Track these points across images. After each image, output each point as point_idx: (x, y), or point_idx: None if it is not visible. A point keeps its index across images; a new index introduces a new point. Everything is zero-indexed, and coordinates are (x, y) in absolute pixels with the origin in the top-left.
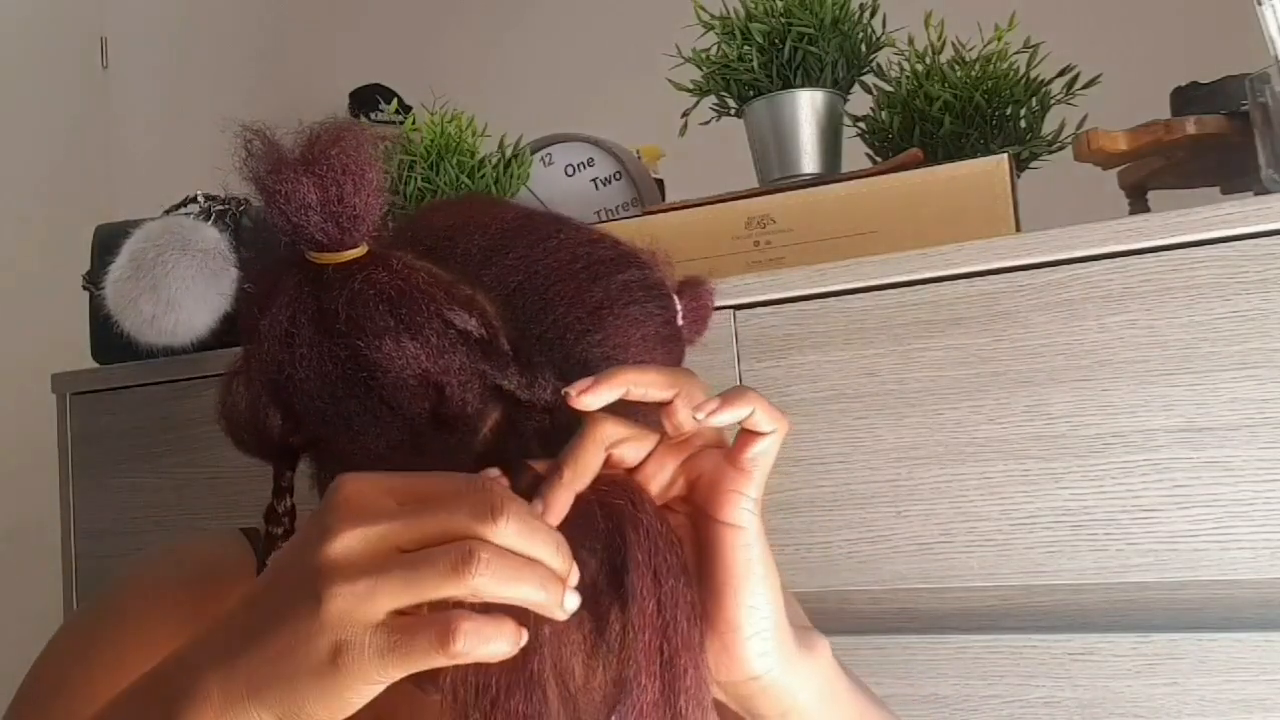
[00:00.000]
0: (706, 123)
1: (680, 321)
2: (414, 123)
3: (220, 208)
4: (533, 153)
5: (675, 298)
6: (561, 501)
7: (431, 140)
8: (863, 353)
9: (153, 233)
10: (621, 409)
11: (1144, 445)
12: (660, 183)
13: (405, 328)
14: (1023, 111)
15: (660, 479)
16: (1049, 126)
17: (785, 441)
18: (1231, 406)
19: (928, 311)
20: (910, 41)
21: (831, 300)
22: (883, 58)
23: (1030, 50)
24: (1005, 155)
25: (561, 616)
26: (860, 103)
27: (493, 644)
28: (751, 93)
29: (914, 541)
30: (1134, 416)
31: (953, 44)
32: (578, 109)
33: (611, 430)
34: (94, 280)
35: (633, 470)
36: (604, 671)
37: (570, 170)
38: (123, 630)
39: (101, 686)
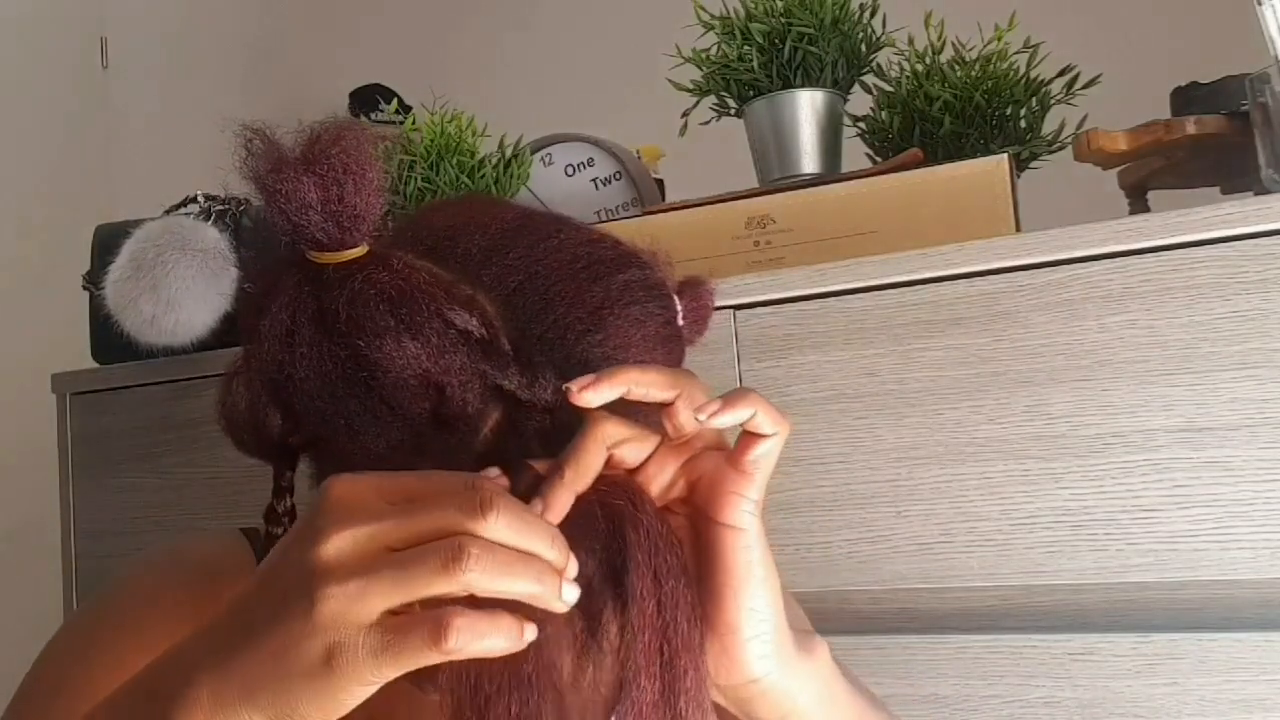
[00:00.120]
0: (706, 123)
1: (681, 322)
2: (414, 123)
3: (220, 208)
4: (533, 153)
5: (676, 298)
6: (562, 501)
7: (431, 140)
8: (863, 353)
9: (153, 233)
10: (623, 410)
11: (1144, 445)
12: (660, 183)
13: (406, 327)
14: (1023, 111)
15: (661, 480)
16: (1049, 126)
17: (785, 442)
18: (1231, 406)
19: (928, 311)
20: (910, 41)
21: (831, 300)
22: (883, 58)
23: (1030, 50)
24: (1005, 155)
25: (560, 609)
26: (860, 103)
27: (487, 639)
28: (751, 93)
29: (914, 541)
30: (1134, 416)
31: (953, 44)
32: (578, 109)
33: (613, 431)
34: (94, 280)
35: (633, 471)
36: (600, 672)
37: (570, 170)
38: (122, 630)
39: (101, 686)
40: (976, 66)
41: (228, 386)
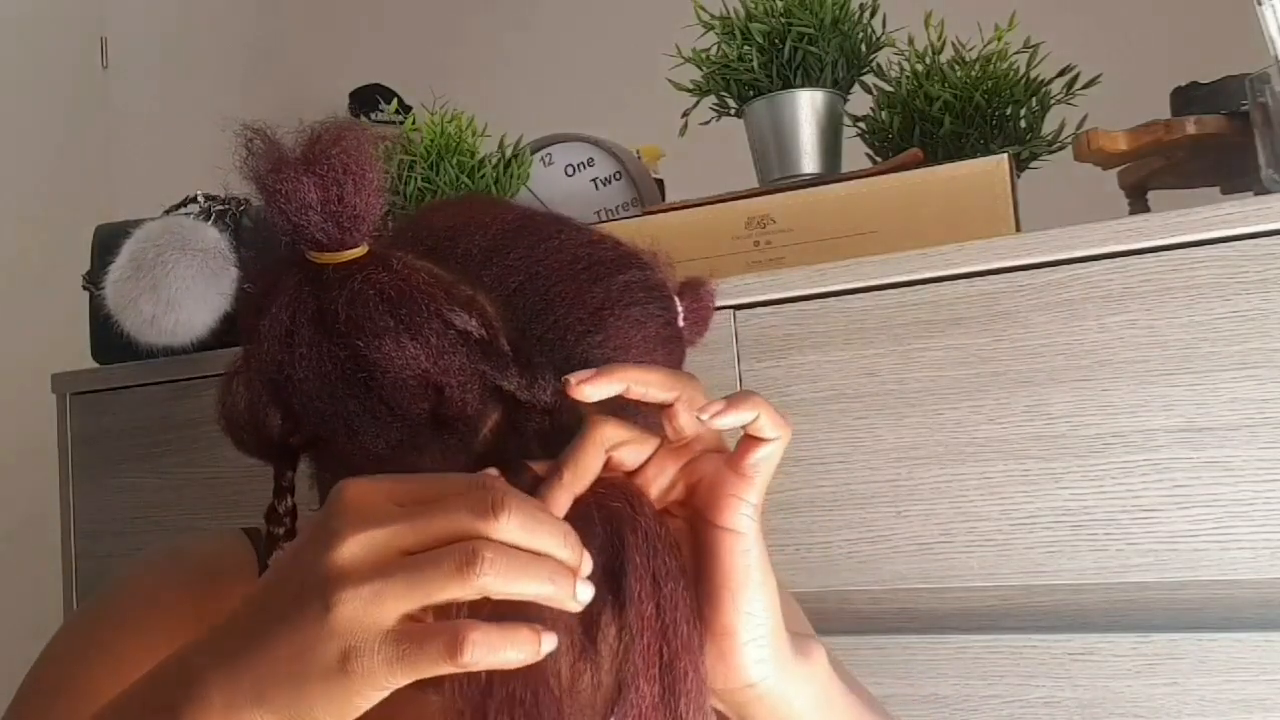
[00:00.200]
0: (706, 123)
1: (681, 323)
2: (414, 123)
3: (220, 208)
4: (533, 153)
5: (676, 299)
6: (560, 503)
7: (431, 140)
8: (863, 353)
9: (153, 233)
10: (623, 412)
11: (1144, 445)
12: (660, 183)
13: (405, 328)
14: (1023, 111)
15: (660, 483)
16: (1049, 126)
17: (786, 446)
18: (1231, 406)
19: (928, 311)
20: (910, 41)
21: (831, 300)
22: (883, 58)
23: (1030, 50)
24: (1005, 155)
25: (575, 608)
26: (860, 103)
27: (503, 653)
28: (751, 93)
29: (914, 541)
30: (1134, 416)
31: (953, 44)
32: (578, 109)
33: (612, 432)
34: (94, 280)
35: (633, 473)
36: (598, 674)
37: (570, 170)
38: (123, 630)
39: (102, 687)
40: (976, 66)
41: (227, 386)
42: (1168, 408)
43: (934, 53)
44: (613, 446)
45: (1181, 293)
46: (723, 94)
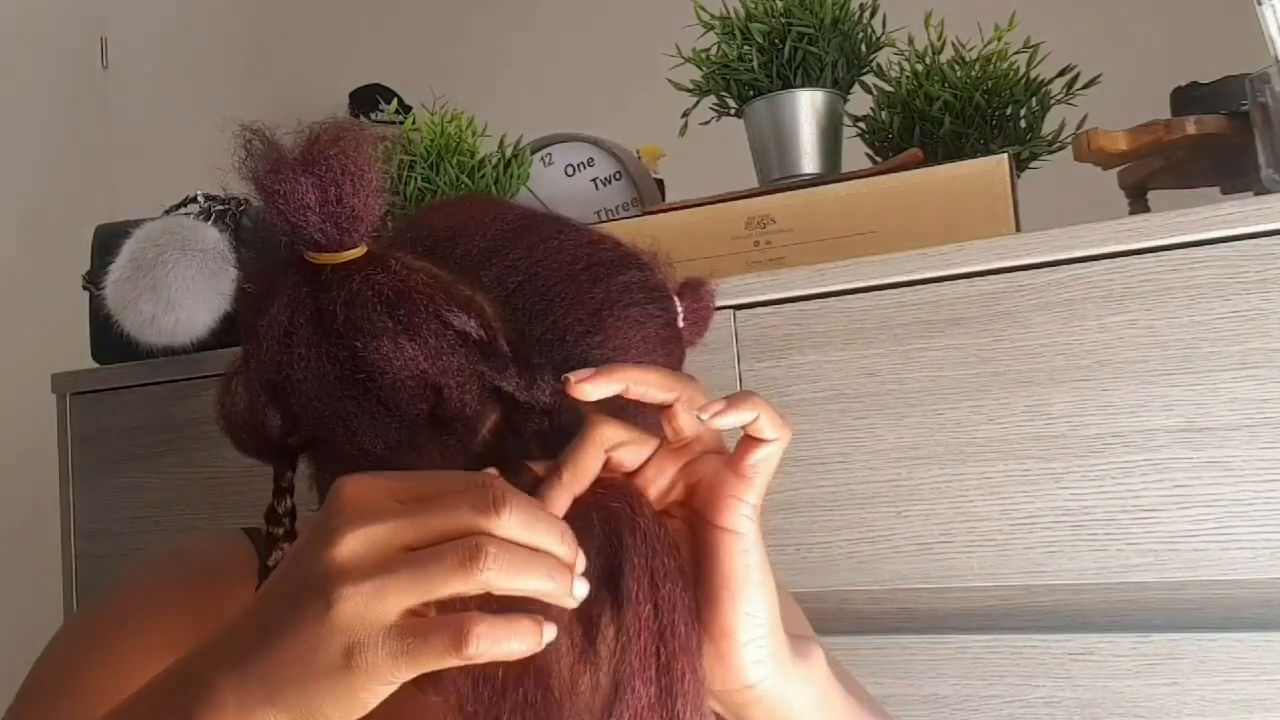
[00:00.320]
0: (706, 123)
1: (681, 323)
2: (414, 123)
3: (220, 208)
4: (533, 153)
5: (676, 299)
6: (560, 503)
7: (431, 140)
8: (863, 353)
9: (153, 233)
10: (622, 412)
11: (1144, 445)
12: (660, 183)
13: (403, 329)
14: (1023, 111)
15: (659, 484)
16: (1049, 126)
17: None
18: (1231, 406)
19: (928, 311)
20: (910, 41)
21: (831, 300)
22: (883, 58)
23: (1030, 50)
24: (1005, 155)
25: (572, 604)
26: (860, 103)
27: (507, 644)
28: (751, 93)
29: (914, 541)
30: (1134, 416)
31: (953, 44)
32: (578, 109)
33: (611, 433)
34: (94, 280)
35: (632, 474)
36: (598, 674)
37: (570, 170)
38: (124, 630)
39: (104, 687)
40: (976, 66)
41: (227, 387)
42: (1168, 408)
43: (934, 53)
44: (612, 447)
45: (1181, 293)
46: (723, 94)
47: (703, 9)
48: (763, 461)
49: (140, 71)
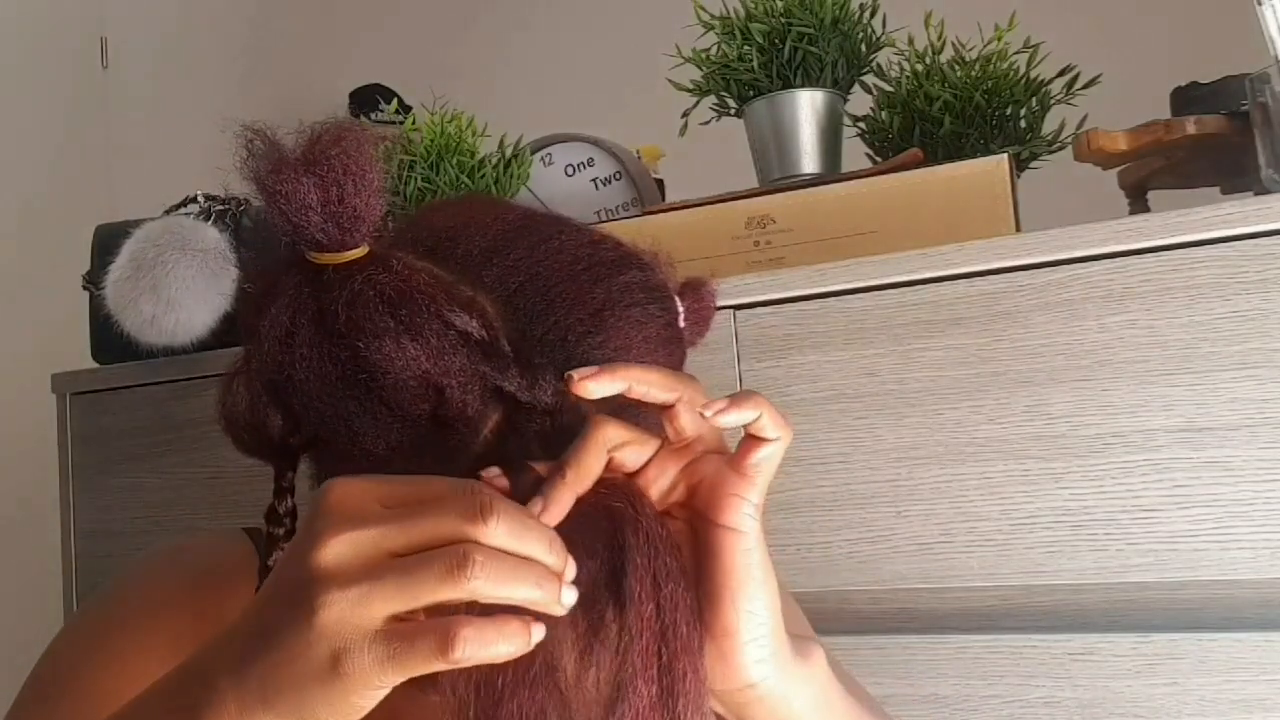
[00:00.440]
0: (706, 123)
1: (682, 323)
2: (414, 123)
3: (220, 208)
4: (533, 153)
5: (677, 299)
6: (563, 502)
7: (431, 140)
8: (863, 353)
9: (153, 233)
10: (623, 413)
11: (1144, 445)
12: (660, 183)
13: (405, 329)
14: (1023, 111)
15: (661, 484)
16: (1049, 126)
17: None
18: (1231, 406)
19: (928, 311)
20: (910, 41)
21: (831, 300)
22: (883, 58)
23: (1030, 50)
24: (1005, 155)
25: (559, 612)
26: (860, 103)
27: (495, 647)
28: (751, 93)
29: (914, 541)
30: (1134, 416)
31: (953, 44)
32: (578, 109)
33: (614, 433)
34: (94, 280)
35: (634, 474)
36: (602, 674)
37: (570, 170)
38: (124, 631)
39: (105, 687)
40: (976, 66)
41: (228, 387)
42: (1168, 408)
43: (934, 53)
44: (615, 447)
45: (1181, 293)
46: (723, 94)
47: (703, 9)
48: (765, 461)
49: (140, 71)
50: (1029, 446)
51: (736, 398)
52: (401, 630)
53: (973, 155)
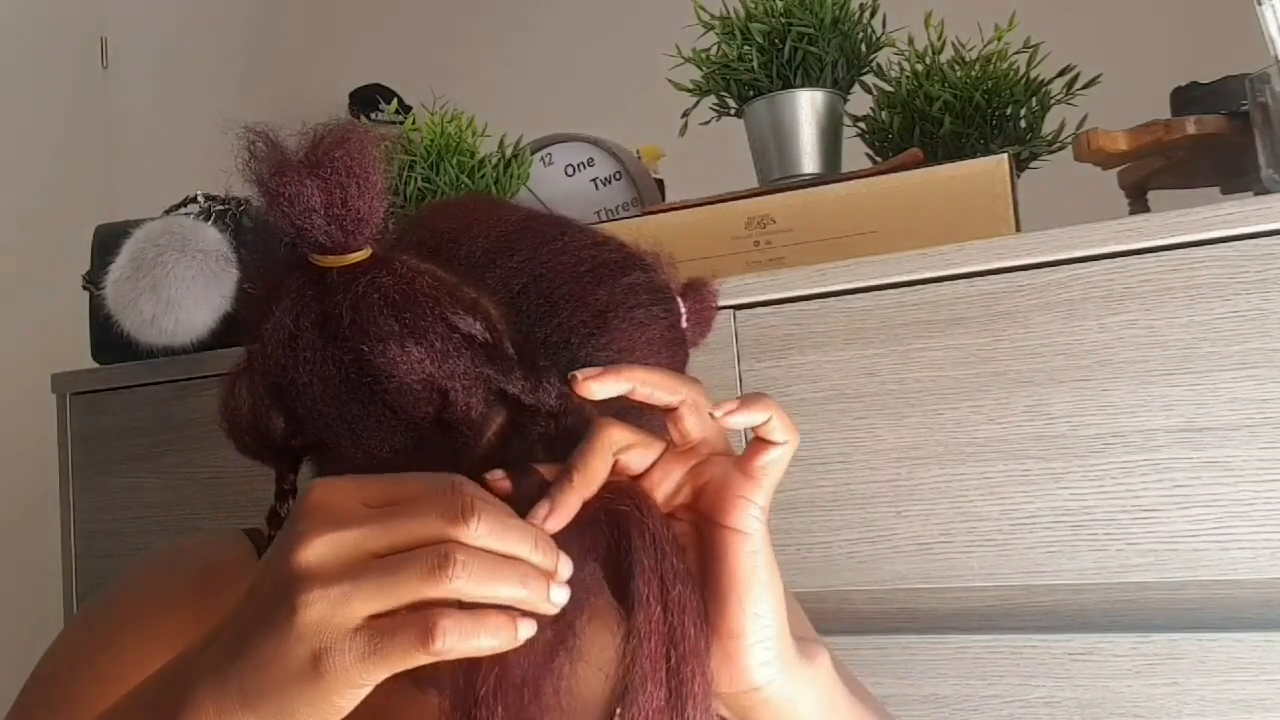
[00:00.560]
0: (706, 123)
1: (685, 324)
2: (414, 123)
3: (220, 208)
4: (533, 153)
5: (680, 300)
6: (569, 505)
7: (431, 140)
8: (863, 353)
9: (153, 233)
10: (627, 415)
11: (1144, 445)
12: (660, 183)
13: (409, 332)
14: (1023, 111)
15: (666, 487)
16: (1049, 126)
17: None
18: (1231, 406)
19: (928, 311)
20: (910, 41)
21: (831, 300)
22: (883, 58)
23: (1030, 50)
24: (1005, 155)
25: (550, 610)
26: (860, 103)
27: (476, 639)
28: (751, 93)
29: (914, 541)
30: (1134, 416)
31: (953, 44)
32: (578, 109)
33: (619, 435)
34: (94, 280)
35: (639, 477)
36: (605, 676)
37: (570, 170)
38: (124, 632)
39: (106, 688)
40: (976, 66)
41: (230, 388)
42: (1168, 408)
43: (934, 53)
44: (620, 450)
45: (1181, 293)
46: (723, 94)
47: (703, 9)
48: (772, 464)
49: (140, 71)
50: (1029, 446)
51: (746, 399)
52: (382, 625)
53: (973, 155)
